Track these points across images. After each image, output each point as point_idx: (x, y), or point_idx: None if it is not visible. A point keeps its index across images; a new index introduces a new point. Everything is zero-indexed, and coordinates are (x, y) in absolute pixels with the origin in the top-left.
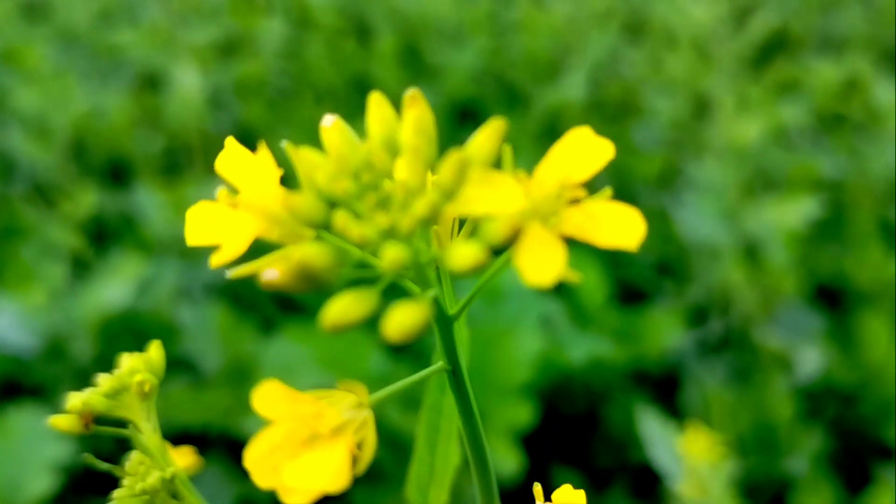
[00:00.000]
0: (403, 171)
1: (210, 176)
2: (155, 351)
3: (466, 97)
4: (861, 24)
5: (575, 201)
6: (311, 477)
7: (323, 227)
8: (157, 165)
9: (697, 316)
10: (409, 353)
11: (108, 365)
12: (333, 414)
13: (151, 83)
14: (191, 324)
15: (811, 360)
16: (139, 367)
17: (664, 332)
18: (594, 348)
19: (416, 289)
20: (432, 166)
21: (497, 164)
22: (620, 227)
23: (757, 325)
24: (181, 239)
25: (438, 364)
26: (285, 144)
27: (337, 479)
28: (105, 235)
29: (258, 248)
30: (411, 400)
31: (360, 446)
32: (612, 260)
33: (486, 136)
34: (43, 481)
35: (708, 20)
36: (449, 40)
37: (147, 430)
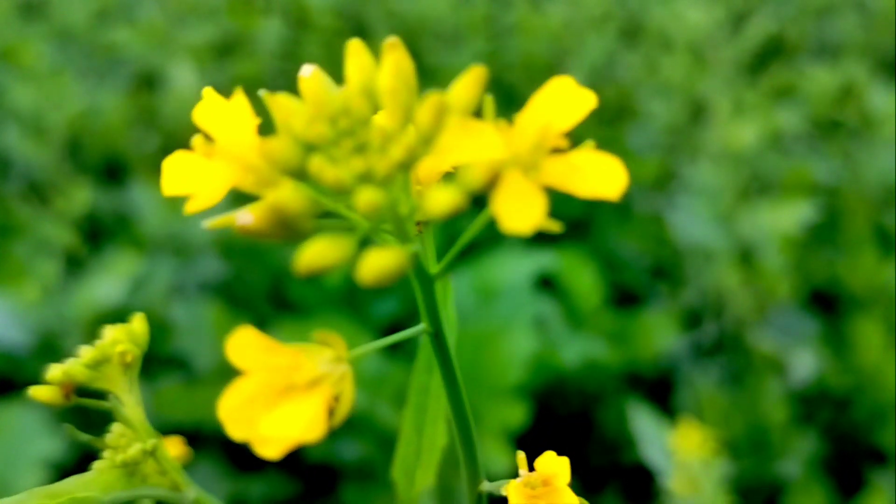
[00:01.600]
0: (381, 116)
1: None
2: (138, 323)
3: None
4: (857, 30)
5: (557, 151)
6: (285, 427)
7: (299, 176)
8: (152, 164)
9: (691, 319)
10: (402, 352)
11: None
12: (311, 366)
13: (148, 82)
14: (184, 322)
15: (805, 364)
16: (121, 337)
17: (658, 334)
18: (588, 350)
19: (395, 243)
20: (411, 115)
21: (478, 113)
22: (602, 177)
23: (751, 329)
24: (175, 237)
25: (421, 326)
26: (263, 92)
27: (312, 429)
28: (99, 233)
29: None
30: (403, 399)
31: (337, 399)
32: (607, 262)
33: (467, 83)
34: (34, 477)
35: (704, 25)
36: (446, 42)
37: (129, 403)
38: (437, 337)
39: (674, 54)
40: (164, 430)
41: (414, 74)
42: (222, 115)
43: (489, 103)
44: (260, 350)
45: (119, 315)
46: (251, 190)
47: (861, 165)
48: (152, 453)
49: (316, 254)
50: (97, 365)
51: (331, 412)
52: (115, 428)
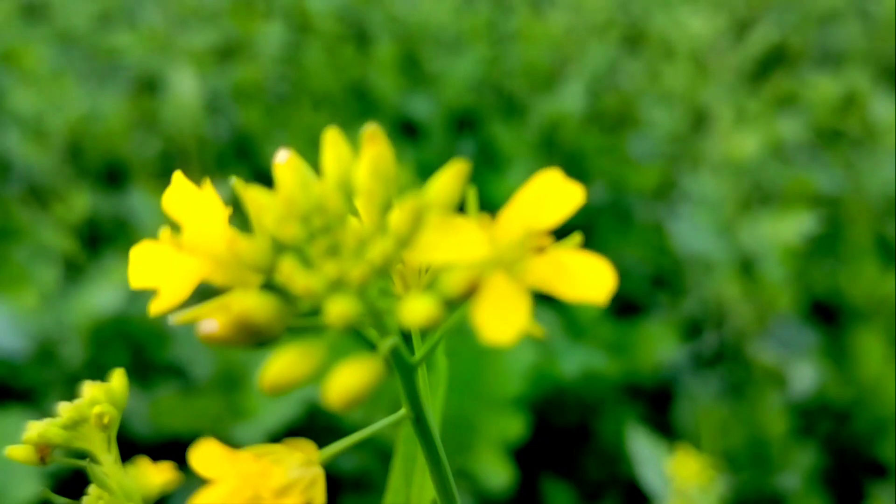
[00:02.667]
0: (357, 216)
1: (205, 181)
2: (117, 381)
3: (464, 106)
4: (860, 39)
5: (541, 249)
6: None
7: (270, 274)
8: (152, 169)
9: (692, 329)
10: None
11: (99, 369)
12: (279, 473)
13: (149, 86)
14: (182, 330)
15: (805, 376)
16: (99, 397)
17: (658, 345)
18: (587, 361)
19: (374, 335)
20: (389, 210)
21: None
22: (588, 280)
23: (751, 340)
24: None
25: (401, 412)
26: (234, 182)
27: None
28: (99, 238)
29: (207, 292)
30: (396, 405)
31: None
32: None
33: (449, 178)
34: (29, 487)
35: (707, 32)
36: (447, 48)
37: (107, 463)
38: (419, 422)
39: (676, 62)
40: (162, 438)
41: (393, 167)
42: (191, 204)
43: (472, 196)
44: (224, 459)
45: (118, 323)
46: (221, 284)
47: (863, 175)
48: None
49: (283, 369)
50: (74, 425)
51: None
52: (92, 490)
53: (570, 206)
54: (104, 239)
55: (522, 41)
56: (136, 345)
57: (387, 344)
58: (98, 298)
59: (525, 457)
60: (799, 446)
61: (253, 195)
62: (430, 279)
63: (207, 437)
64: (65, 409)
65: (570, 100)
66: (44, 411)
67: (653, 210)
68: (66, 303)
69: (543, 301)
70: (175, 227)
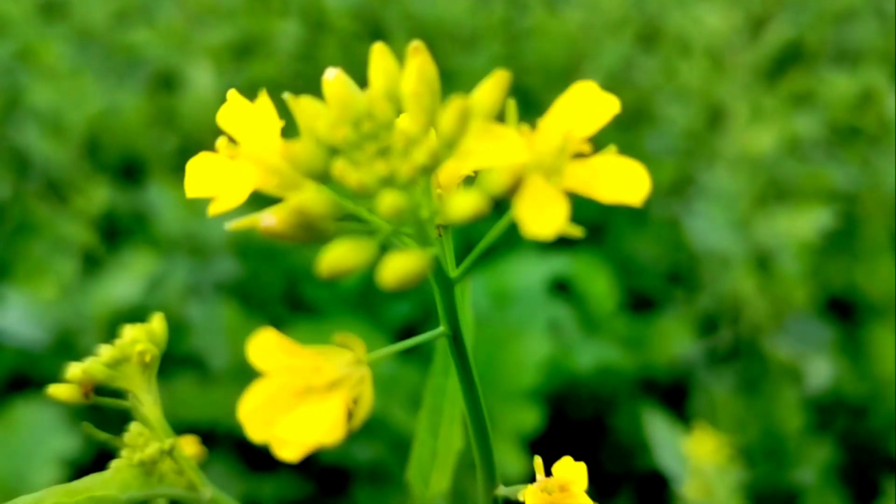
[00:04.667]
0: (405, 120)
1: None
2: (157, 322)
3: None
4: (876, 36)
5: (579, 156)
6: (305, 429)
7: (322, 179)
8: (170, 164)
9: (707, 325)
10: (417, 354)
11: None
12: (330, 368)
13: (166, 83)
14: (199, 321)
15: (821, 371)
16: (141, 337)
17: (673, 340)
18: (603, 355)
19: (416, 247)
20: (434, 119)
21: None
22: (624, 182)
23: (767, 336)
24: (192, 237)
25: (439, 329)
26: (286, 95)
27: (331, 432)
28: (117, 232)
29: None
30: (417, 401)
31: (356, 402)
32: (622, 267)
33: (490, 87)
34: (48, 474)
35: (723, 29)
36: (463, 45)
37: (147, 402)
38: (456, 340)
39: (692, 59)
40: (179, 428)
41: (437, 79)
42: (246, 118)
43: (511, 107)
44: (280, 352)
45: (135, 314)
46: (274, 192)
47: (879, 172)
48: (169, 453)
49: (338, 257)
50: (116, 364)
51: (349, 415)
52: (133, 427)
53: (607, 114)
54: (122, 233)
55: (538, 38)
56: None
57: (431, 250)
58: (116, 290)
59: (540, 449)
60: (814, 442)
61: (305, 103)
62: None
63: (266, 327)
64: (106, 349)
65: None
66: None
67: (669, 206)
68: (85, 294)
69: (559, 296)
70: (231, 140)
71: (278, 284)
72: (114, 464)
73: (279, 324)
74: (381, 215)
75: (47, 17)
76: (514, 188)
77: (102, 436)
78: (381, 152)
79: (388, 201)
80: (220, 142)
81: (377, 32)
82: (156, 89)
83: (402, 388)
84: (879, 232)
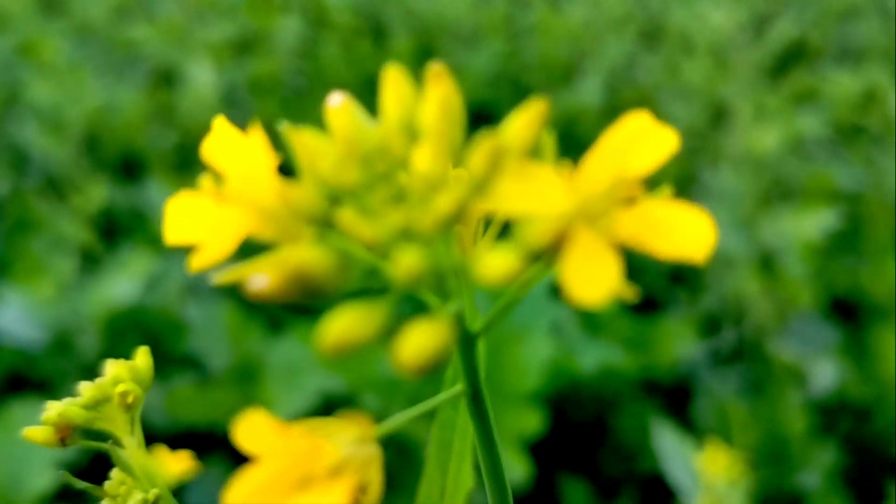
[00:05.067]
0: (424, 160)
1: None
2: (142, 359)
3: (481, 100)
4: (879, 35)
5: (630, 201)
6: None
7: (325, 226)
8: (169, 161)
9: (710, 326)
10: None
11: (114, 360)
12: (331, 450)
13: (166, 79)
14: (198, 321)
15: (825, 373)
16: (123, 376)
17: (676, 341)
18: (605, 356)
19: (434, 301)
20: (457, 157)
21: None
22: (686, 234)
23: (771, 337)
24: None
25: (457, 387)
26: (284, 126)
27: None
28: (115, 230)
29: (249, 250)
30: (417, 403)
31: (363, 490)
32: (625, 267)
33: (527, 120)
34: (44, 477)
35: (727, 27)
36: (464, 42)
37: (130, 446)
38: (476, 398)
39: (695, 57)
40: (177, 430)
41: (462, 110)
42: (236, 152)
43: (549, 142)
44: (273, 433)
45: (134, 313)
46: (269, 239)
47: (883, 172)
48: (154, 503)
49: (346, 329)
50: (96, 405)
51: None
52: (115, 475)
53: (663, 152)
54: (121, 231)
55: (540, 35)
56: (152, 336)
57: (452, 307)
58: (114, 289)
59: (542, 452)
60: (819, 445)
61: (306, 139)
62: (495, 235)
63: (254, 409)
64: (86, 388)
65: (587, 94)
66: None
67: None
68: (83, 294)
69: (559, 296)
70: (217, 177)
71: None
72: None
73: (278, 324)
74: (397, 277)
75: (47, 13)
76: (558, 244)
77: (81, 484)
78: (395, 198)
79: (408, 262)
80: (205, 180)
81: (378, 29)
82: (155, 86)
83: (402, 391)
84: (884, 232)
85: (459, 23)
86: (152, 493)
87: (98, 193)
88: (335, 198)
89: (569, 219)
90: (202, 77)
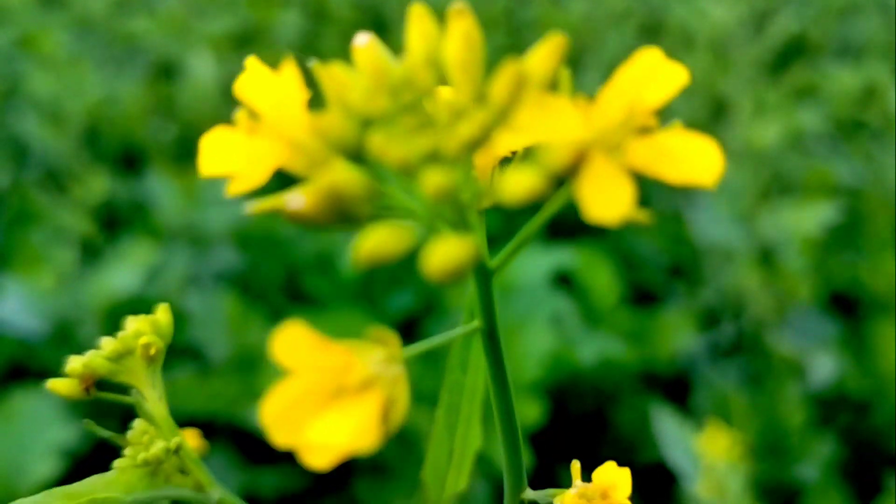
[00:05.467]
0: (449, 90)
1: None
2: (162, 314)
3: None
4: (880, 30)
5: (644, 131)
6: (337, 433)
7: (355, 156)
8: (169, 154)
9: (710, 319)
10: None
11: None
12: (363, 366)
13: (166, 72)
14: (199, 312)
15: (824, 366)
16: (145, 329)
17: (676, 334)
18: (605, 348)
19: (453, 233)
20: (481, 90)
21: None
22: (696, 161)
23: (770, 330)
24: (192, 226)
25: (474, 323)
26: (313, 63)
27: (366, 436)
28: (116, 222)
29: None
30: (421, 394)
31: (390, 404)
32: (625, 260)
33: (546, 53)
34: (46, 465)
35: (727, 22)
36: None
37: (152, 398)
38: (491, 336)
39: (695, 52)
40: (178, 420)
41: (483, 45)
42: (268, 88)
43: (566, 78)
44: (309, 348)
45: (134, 304)
46: (300, 171)
47: (883, 167)
48: (175, 451)
49: (378, 242)
50: (119, 358)
51: (384, 417)
52: (137, 424)
53: (674, 85)
54: (121, 222)
55: (540, 30)
56: None
57: (474, 236)
58: (115, 280)
59: (541, 442)
60: (817, 437)
61: (335, 72)
62: (517, 164)
63: (293, 321)
64: (108, 341)
65: (587, 89)
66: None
67: (672, 199)
68: (84, 284)
69: (562, 289)
70: (251, 113)
71: (278, 275)
72: (117, 463)
73: (279, 314)
74: (424, 196)
75: (46, 5)
76: (576, 166)
77: (104, 433)
78: (423, 125)
79: (434, 181)
80: (240, 114)
81: (378, 22)
82: (155, 78)
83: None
84: (883, 227)
85: None
86: (173, 442)
87: (99, 185)
88: (364, 126)
89: (586, 145)
90: (202, 70)
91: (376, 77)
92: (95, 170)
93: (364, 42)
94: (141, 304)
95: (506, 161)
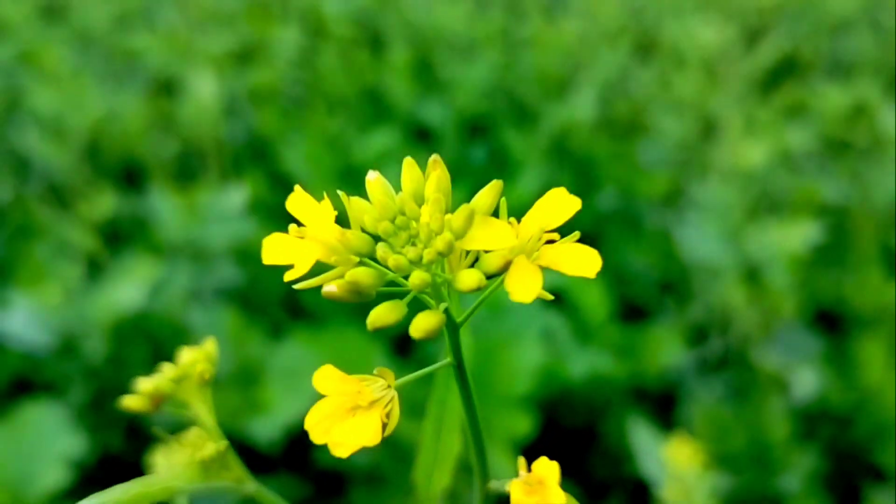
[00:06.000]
0: (426, 215)
1: (223, 182)
2: (211, 345)
3: (477, 112)
4: (871, 48)
5: (550, 242)
6: (353, 436)
7: (367, 256)
8: (170, 170)
9: (697, 335)
10: (411, 360)
11: (119, 364)
12: (370, 391)
13: (167, 88)
14: (201, 326)
15: (808, 381)
16: (200, 358)
17: (664, 349)
18: (595, 363)
19: (432, 302)
20: (446, 212)
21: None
22: (582, 262)
23: (756, 346)
24: (193, 242)
25: (447, 360)
26: (341, 194)
27: (373, 437)
28: (118, 237)
29: (317, 270)
30: (413, 408)
31: (388, 416)
32: (615, 276)
33: (487, 193)
34: (54, 475)
35: (717, 43)
36: (461, 54)
37: (203, 412)
38: (459, 368)
39: (686, 71)
40: (183, 430)
41: (449, 184)
42: (310, 209)
43: (503, 205)
44: (335, 380)
45: (138, 318)
46: (332, 264)
47: (869, 185)
48: (221, 453)
49: (380, 315)
50: (179, 380)
51: (384, 426)
52: (193, 431)
53: (571, 212)
54: (123, 238)
55: (535, 48)
56: (156, 340)
57: (443, 305)
58: (119, 295)
59: (532, 455)
60: (800, 450)
61: (355, 202)
62: (471, 261)
63: (327, 365)
64: (169, 368)
65: (581, 107)
66: (66, 403)
67: (661, 216)
68: (88, 299)
69: (553, 305)
70: (298, 224)
71: (277, 290)
72: (178, 460)
73: (279, 329)
74: (411, 286)
75: (48, 20)
76: (505, 267)
77: (166, 438)
78: (409, 239)
79: (417, 278)
80: (291, 227)
81: (376, 39)
82: (155, 94)
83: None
84: (868, 244)
85: (456, 35)
86: (222, 444)
87: (104, 202)
88: (374, 240)
89: (512, 252)
90: (204, 87)
91: (381, 208)
92: (99, 186)
93: (373, 178)
94: (145, 319)
95: (466, 254)
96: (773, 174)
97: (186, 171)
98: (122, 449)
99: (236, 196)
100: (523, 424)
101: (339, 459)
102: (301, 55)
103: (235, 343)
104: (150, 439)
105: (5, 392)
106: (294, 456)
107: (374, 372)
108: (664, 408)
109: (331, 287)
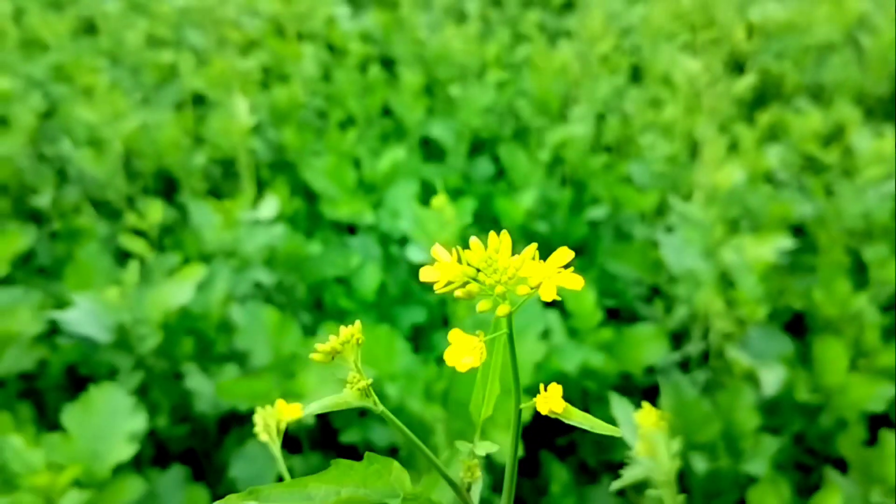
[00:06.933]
0: (502, 262)
1: (257, 198)
2: (358, 325)
3: (481, 130)
4: (854, 71)
5: (559, 271)
6: (469, 362)
7: (473, 278)
8: (201, 181)
9: (681, 336)
10: (427, 351)
11: (169, 355)
12: (477, 340)
13: (196, 104)
14: (242, 322)
15: (775, 377)
16: (355, 332)
17: (651, 348)
18: (587, 359)
19: (504, 301)
20: (511, 263)
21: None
22: (574, 282)
23: (731, 346)
24: (229, 248)
25: (503, 331)
26: (473, 239)
27: (478, 361)
28: (163, 245)
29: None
30: (430, 394)
31: (482, 353)
32: (607, 283)
33: (529, 251)
34: (123, 451)
35: (698, 71)
36: (467, 74)
37: (356, 364)
38: (510, 337)
39: (675, 95)
40: (224, 412)
41: (510, 245)
42: (442, 257)
43: (535, 252)
44: (457, 336)
45: (185, 315)
46: (456, 280)
47: (842, 201)
48: (368, 386)
49: (482, 306)
50: (343, 343)
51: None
52: (350, 374)
53: (568, 259)
54: (165, 244)
55: (535, 71)
56: (202, 335)
57: (506, 310)
58: (169, 294)
59: (528, 439)
60: (768, 439)
61: (466, 254)
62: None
63: (456, 329)
64: (334, 337)
65: (577, 127)
66: (125, 388)
67: (650, 229)
68: (142, 298)
69: (554, 309)
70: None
71: (305, 292)
72: (348, 381)
73: (310, 326)
74: (496, 292)
75: (84, 38)
76: (538, 285)
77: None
78: (493, 273)
79: (498, 292)
80: (436, 261)
81: (387, 59)
82: (185, 109)
83: (418, 382)
84: (839, 256)
85: (462, 54)
86: (368, 381)
87: (155, 213)
88: (476, 271)
89: (541, 277)
90: (240, 106)
91: (478, 257)
92: (143, 198)
93: (474, 241)
94: (190, 316)
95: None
96: (752, 192)
97: (216, 183)
98: (168, 429)
99: (270, 207)
100: (525, 411)
101: (361, 437)
102: (319, 73)
103: (274, 338)
104: (191, 420)
105: (61, 380)
106: (321, 436)
107: (476, 333)
108: (649, 399)
109: (458, 292)
